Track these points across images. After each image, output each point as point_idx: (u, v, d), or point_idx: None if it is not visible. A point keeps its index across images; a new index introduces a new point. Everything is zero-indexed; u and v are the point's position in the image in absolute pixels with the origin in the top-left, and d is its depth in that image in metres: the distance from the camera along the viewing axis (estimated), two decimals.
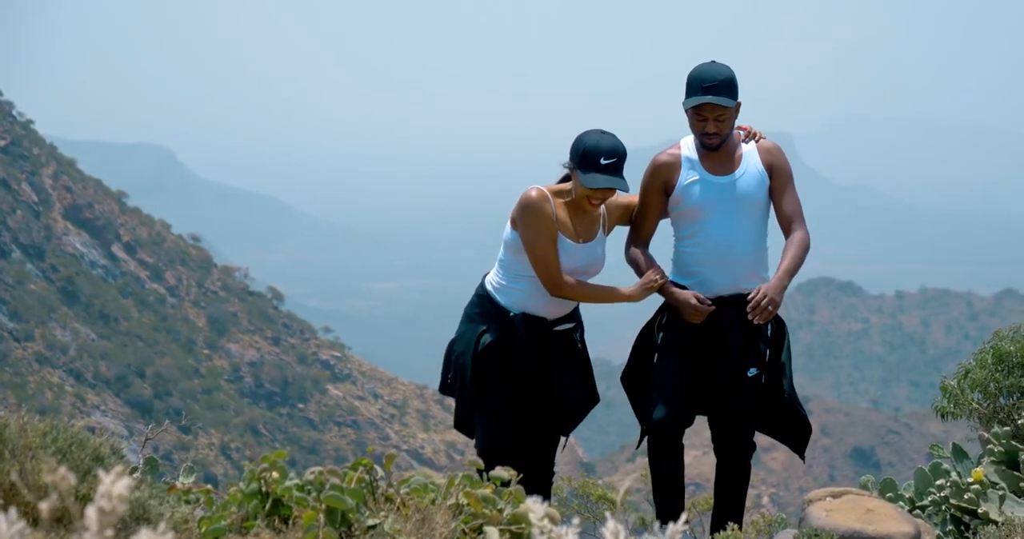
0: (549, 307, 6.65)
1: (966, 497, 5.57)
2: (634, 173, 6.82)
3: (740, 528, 6.67)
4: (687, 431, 6.77)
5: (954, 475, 6.17)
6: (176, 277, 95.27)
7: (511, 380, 6.62)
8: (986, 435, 6.08)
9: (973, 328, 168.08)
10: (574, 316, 6.84)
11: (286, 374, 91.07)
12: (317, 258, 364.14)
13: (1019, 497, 5.57)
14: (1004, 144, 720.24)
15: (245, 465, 4.05)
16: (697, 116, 6.48)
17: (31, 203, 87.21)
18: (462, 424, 6.90)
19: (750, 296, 6.45)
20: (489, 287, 6.75)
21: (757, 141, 6.75)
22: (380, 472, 4.13)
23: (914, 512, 6.27)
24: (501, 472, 4.10)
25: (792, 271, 6.60)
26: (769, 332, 6.70)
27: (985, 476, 5.78)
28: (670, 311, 6.71)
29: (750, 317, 6.45)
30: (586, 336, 7.01)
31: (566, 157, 6.60)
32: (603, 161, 6.36)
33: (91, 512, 2.06)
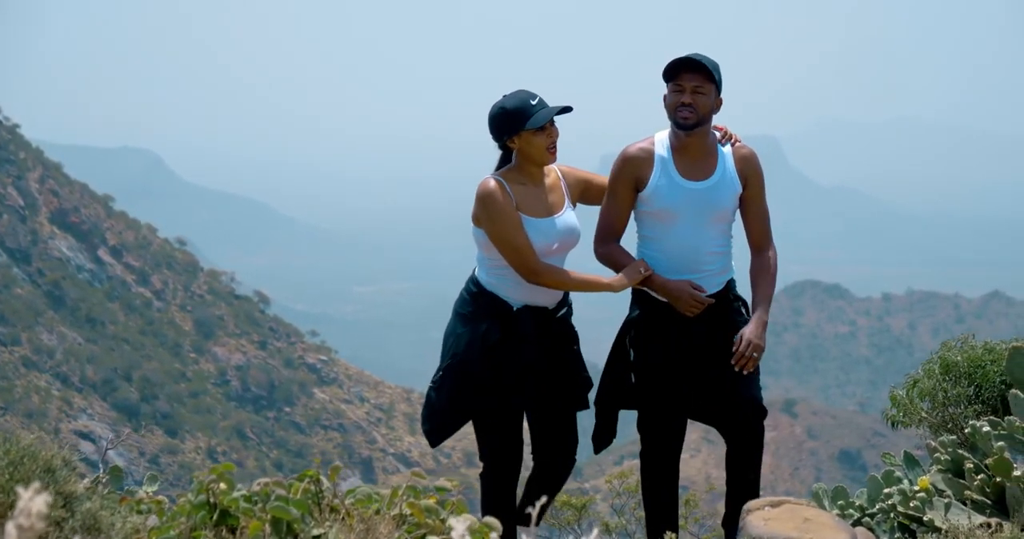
0: (546, 295, 6.47)
1: (912, 505, 5.65)
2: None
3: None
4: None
5: (905, 483, 6.24)
6: (162, 281, 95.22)
7: (521, 376, 6.41)
8: (933, 444, 6.16)
9: (960, 331, 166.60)
10: (567, 299, 6.64)
11: (273, 378, 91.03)
12: (303, 262, 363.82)
13: (965, 505, 5.64)
14: (989, 147, 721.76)
15: (195, 476, 4.12)
16: (675, 87, 6.24)
17: (17, 207, 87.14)
18: (444, 427, 6.63)
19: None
20: (484, 284, 6.52)
21: (734, 144, 6.48)
22: (326, 483, 4.19)
23: (864, 520, 6.34)
24: (444, 483, 4.16)
25: (768, 304, 6.42)
26: (746, 317, 6.51)
27: (932, 484, 5.85)
28: (637, 333, 6.57)
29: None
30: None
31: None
32: (532, 103, 6.27)
33: (10, 528, 2.13)
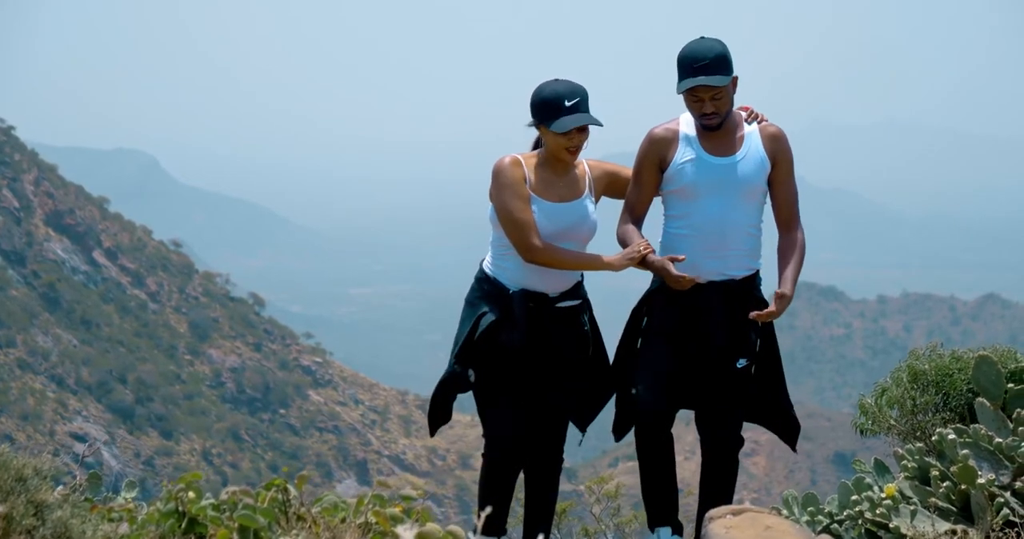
0: (546, 281, 6.44)
1: (878, 512, 5.72)
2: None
3: None
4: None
5: (876, 489, 6.29)
6: (157, 283, 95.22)
7: (513, 361, 6.43)
8: (900, 451, 6.22)
9: (956, 333, 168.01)
10: (578, 292, 6.59)
11: (268, 380, 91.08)
12: (298, 264, 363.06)
13: (931, 512, 5.71)
14: (984, 149, 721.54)
15: (164, 485, 4.18)
16: (692, 97, 6.23)
17: (12, 209, 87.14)
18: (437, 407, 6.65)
19: (757, 314, 6.28)
20: (486, 269, 6.56)
21: (760, 123, 6.48)
22: (293, 492, 4.25)
23: (832, 526, 6.40)
24: (410, 491, 4.22)
25: (795, 278, 6.40)
26: (755, 336, 6.51)
27: (899, 491, 5.92)
28: (654, 300, 6.51)
29: (752, 316, 6.29)
30: None
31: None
32: (567, 103, 6.24)
33: None
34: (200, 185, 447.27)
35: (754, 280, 6.51)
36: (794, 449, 6.80)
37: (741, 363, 6.39)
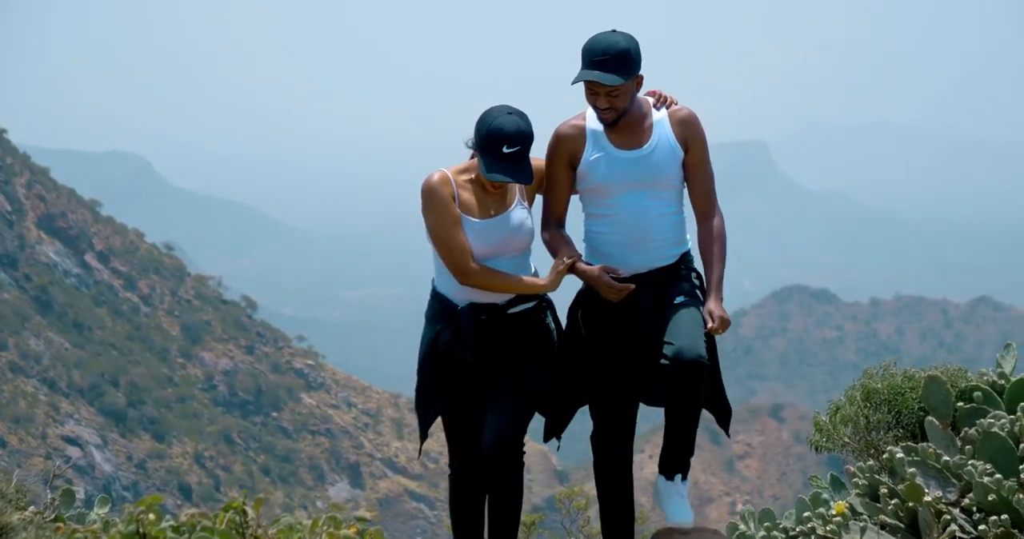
0: (490, 293, 6.26)
1: (828, 528, 5.84)
2: None
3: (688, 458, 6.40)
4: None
5: (832, 505, 6.39)
6: (150, 286, 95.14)
7: (466, 376, 6.30)
8: (852, 469, 6.35)
9: (948, 335, 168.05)
10: (532, 295, 6.36)
11: (260, 383, 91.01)
12: (291, 266, 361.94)
13: (880, 528, 5.84)
14: (977, 153, 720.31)
15: (125, 507, 4.30)
16: (588, 90, 6.07)
17: (4, 212, 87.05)
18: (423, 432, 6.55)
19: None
20: (436, 285, 6.45)
21: (668, 107, 6.30)
22: (251, 513, 4.34)
23: None
24: (364, 513, 4.32)
25: (721, 284, 6.17)
26: (691, 287, 6.31)
27: (850, 507, 6.04)
28: (587, 300, 6.37)
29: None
30: None
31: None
32: (506, 149, 5.99)
33: None
34: (193, 187, 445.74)
35: (680, 262, 6.36)
36: (728, 434, 6.66)
37: (680, 299, 6.21)
